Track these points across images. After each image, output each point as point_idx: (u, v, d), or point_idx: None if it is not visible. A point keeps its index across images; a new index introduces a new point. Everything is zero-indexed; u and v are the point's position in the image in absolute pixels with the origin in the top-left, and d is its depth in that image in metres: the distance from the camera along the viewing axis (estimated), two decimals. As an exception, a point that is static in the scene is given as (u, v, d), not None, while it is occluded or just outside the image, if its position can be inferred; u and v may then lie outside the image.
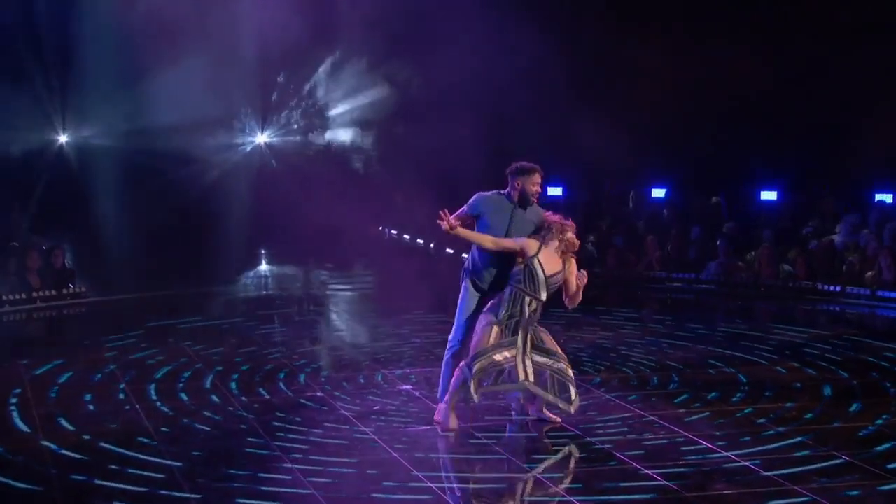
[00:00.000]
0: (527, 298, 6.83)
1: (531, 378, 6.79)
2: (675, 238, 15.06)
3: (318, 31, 15.67)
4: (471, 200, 7.12)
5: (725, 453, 6.49)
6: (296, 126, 18.04)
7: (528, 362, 6.79)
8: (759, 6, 16.38)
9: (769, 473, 6.08)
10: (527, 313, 6.82)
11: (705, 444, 6.70)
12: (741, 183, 16.99)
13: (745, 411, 7.51)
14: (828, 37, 15.61)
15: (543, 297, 6.87)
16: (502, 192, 7.12)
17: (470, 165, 15.99)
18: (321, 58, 17.20)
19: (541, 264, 6.86)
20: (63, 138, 16.42)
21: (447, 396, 6.95)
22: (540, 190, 7.08)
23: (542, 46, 16.74)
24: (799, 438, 6.79)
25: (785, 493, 5.77)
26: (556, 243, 6.95)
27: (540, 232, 6.99)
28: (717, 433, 6.93)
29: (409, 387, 8.30)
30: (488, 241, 6.93)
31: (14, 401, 7.96)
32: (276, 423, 7.23)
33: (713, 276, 13.98)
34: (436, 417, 7.04)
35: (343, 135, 17.94)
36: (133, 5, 14.04)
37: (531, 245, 6.89)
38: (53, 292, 13.02)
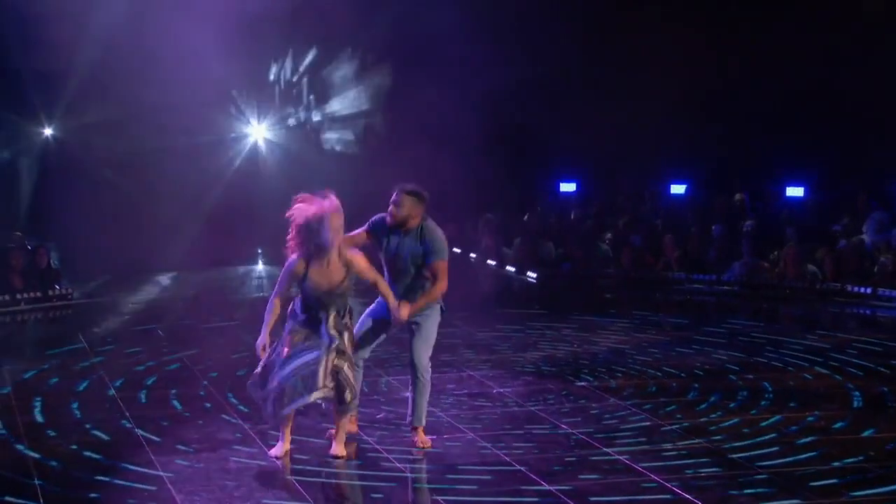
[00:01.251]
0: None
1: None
2: (695, 237, 15.03)
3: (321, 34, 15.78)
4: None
5: (749, 464, 6.48)
6: (294, 122, 18.09)
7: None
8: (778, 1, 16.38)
9: (795, 486, 6.06)
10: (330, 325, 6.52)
11: (727, 455, 6.68)
12: (765, 179, 16.97)
13: (770, 420, 7.50)
14: (856, 27, 15.59)
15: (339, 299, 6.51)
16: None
17: (481, 164, 16.05)
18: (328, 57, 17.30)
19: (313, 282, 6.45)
20: (48, 131, 16.47)
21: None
22: (394, 210, 6.70)
23: (556, 39, 16.77)
24: (826, 449, 6.77)
25: (812, 508, 5.76)
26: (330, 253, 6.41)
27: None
28: (740, 443, 6.92)
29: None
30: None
31: (-3, 408, 7.98)
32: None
33: (737, 277, 13.95)
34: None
35: (345, 135, 17.99)
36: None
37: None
38: (38, 293, 13.04)
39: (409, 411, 6.90)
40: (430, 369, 6.88)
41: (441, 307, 6.88)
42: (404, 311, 6.66)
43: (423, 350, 6.83)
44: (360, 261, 6.55)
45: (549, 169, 18.74)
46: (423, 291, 6.77)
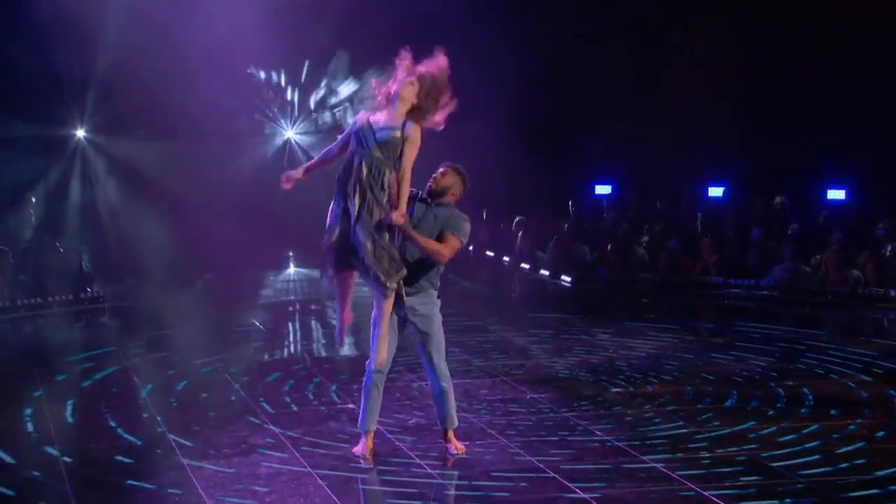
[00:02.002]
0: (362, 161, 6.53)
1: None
2: (734, 241, 14.92)
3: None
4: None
5: (789, 473, 6.42)
6: (320, 122, 18.17)
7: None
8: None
9: (838, 495, 6.00)
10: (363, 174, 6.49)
11: (766, 463, 6.63)
12: (805, 181, 16.82)
13: (811, 428, 7.43)
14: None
15: (377, 153, 6.49)
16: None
17: (515, 166, 16.03)
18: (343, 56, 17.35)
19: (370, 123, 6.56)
20: (81, 133, 16.64)
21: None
22: (438, 176, 6.80)
23: (593, 39, 16.72)
24: (868, 459, 6.70)
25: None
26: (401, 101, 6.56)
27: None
28: (779, 451, 6.86)
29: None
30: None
31: (29, 411, 8.06)
32: (307, 437, 7.26)
33: (777, 281, 13.82)
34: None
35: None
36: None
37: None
38: (70, 296, 13.16)
39: (442, 419, 6.90)
40: (448, 373, 6.86)
41: (437, 294, 6.83)
42: (398, 217, 6.50)
43: (439, 357, 6.81)
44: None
45: (584, 171, 18.69)
46: (430, 272, 6.73)
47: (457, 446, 6.88)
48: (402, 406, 8.09)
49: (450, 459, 6.79)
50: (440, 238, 6.73)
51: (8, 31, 14.47)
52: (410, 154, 6.59)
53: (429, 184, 6.82)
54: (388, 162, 6.54)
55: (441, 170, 6.85)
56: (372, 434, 6.85)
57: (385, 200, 6.50)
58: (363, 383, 6.82)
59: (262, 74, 17.55)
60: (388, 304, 6.60)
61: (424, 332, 6.76)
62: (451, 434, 6.91)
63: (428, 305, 6.78)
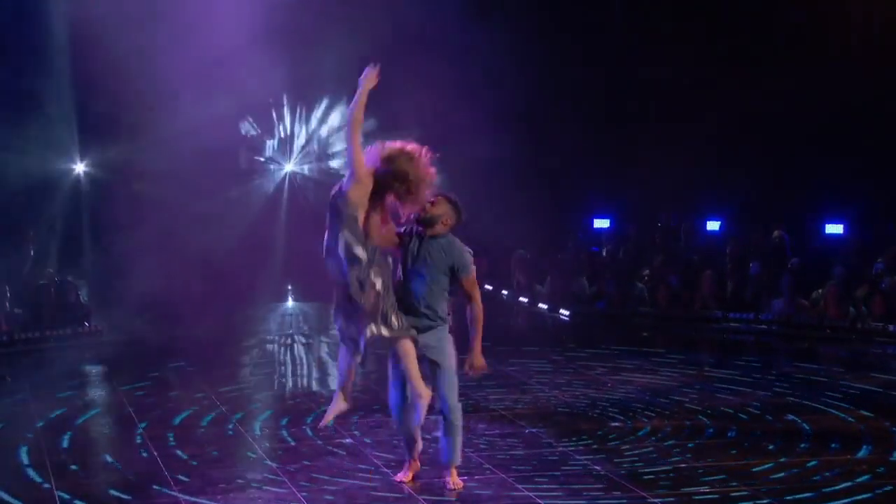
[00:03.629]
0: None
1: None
2: (732, 274, 14.94)
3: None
4: None
5: (788, 510, 6.41)
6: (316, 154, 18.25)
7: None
8: (820, 29, 16.34)
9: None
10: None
11: (766, 499, 6.61)
12: (803, 214, 16.85)
13: (810, 464, 7.41)
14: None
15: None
16: None
17: (513, 199, 16.07)
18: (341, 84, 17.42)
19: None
20: (80, 167, 16.69)
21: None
22: (428, 206, 6.69)
23: (588, 71, 16.82)
24: (869, 495, 6.69)
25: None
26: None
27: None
28: (779, 487, 6.85)
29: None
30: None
31: (25, 447, 8.04)
32: (303, 472, 7.24)
33: (777, 316, 13.82)
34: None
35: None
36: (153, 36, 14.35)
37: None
38: (67, 330, 13.15)
39: (444, 453, 6.86)
40: (460, 408, 6.86)
41: (448, 327, 6.84)
42: (480, 362, 6.78)
43: (451, 392, 6.78)
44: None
45: (582, 204, 18.74)
46: (438, 301, 6.73)
47: (455, 482, 6.86)
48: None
49: (448, 494, 6.77)
50: (462, 281, 6.73)
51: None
52: (358, 195, 6.47)
53: (418, 211, 6.71)
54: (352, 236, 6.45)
55: (431, 199, 6.72)
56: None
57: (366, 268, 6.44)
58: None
59: (252, 130, 17.68)
60: (408, 346, 6.62)
61: (437, 362, 6.74)
62: (453, 469, 6.89)
63: (441, 340, 6.77)
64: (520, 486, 6.92)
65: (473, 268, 6.81)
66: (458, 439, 6.83)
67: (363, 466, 7.39)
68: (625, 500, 6.63)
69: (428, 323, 6.71)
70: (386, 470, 7.26)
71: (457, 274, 6.74)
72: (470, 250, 6.85)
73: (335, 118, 17.93)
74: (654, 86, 17.27)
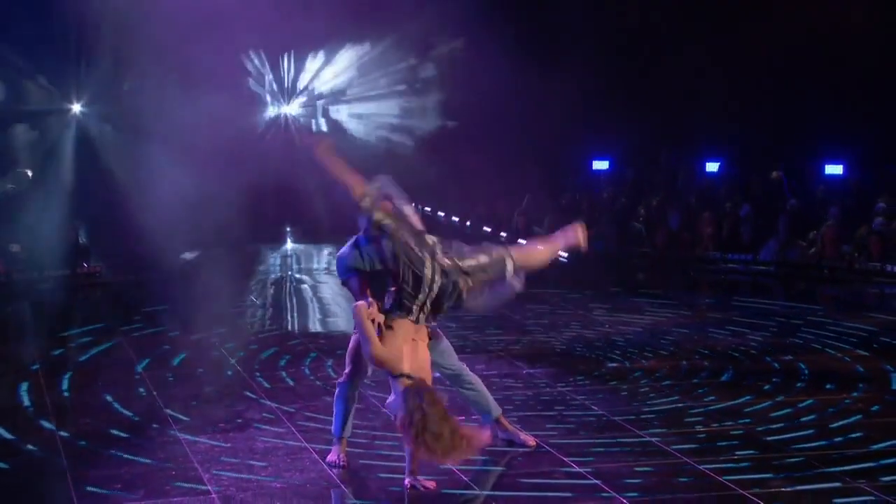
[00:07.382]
0: None
1: None
2: (730, 216, 14.89)
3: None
4: None
5: (784, 447, 6.43)
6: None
7: None
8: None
9: (831, 469, 6.01)
10: None
11: (762, 437, 6.64)
12: (802, 156, 16.76)
13: (806, 402, 7.43)
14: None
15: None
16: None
17: (512, 142, 15.96)
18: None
19: None
20: (76, 108, 16.55)
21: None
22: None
23: (586, 13, 16.61)
24: (863, 433, 6.71)
25: (849, 491, 5.71)
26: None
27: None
28: (775, 426, 6.87)
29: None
30: None
31: (25, 386, 8.06)
32: (303, 412, 7.27)
33: (773, 255, 13.80)
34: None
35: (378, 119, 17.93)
36: None
37: None
38: (67, 270, 13.14)
39: (486, 409, 6.54)
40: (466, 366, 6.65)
41: None
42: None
43: (454, 357, 6.47)
44: None
45: (581, 146, 18.62)
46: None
47: (525, 437, 6.54)
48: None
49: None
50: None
51: None
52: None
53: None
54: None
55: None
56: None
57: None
58: None
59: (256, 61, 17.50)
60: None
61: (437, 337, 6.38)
62: (504, 421, 6.60)
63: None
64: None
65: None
66: (484, 388, 6.58)
67: (360, 406, 7.40)
68: (621, 439, 6.65)
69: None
70: (385, 410, 7.27)
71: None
72: None
73: (341, 61, 17.74)
74: (654, 29, 17.05)
